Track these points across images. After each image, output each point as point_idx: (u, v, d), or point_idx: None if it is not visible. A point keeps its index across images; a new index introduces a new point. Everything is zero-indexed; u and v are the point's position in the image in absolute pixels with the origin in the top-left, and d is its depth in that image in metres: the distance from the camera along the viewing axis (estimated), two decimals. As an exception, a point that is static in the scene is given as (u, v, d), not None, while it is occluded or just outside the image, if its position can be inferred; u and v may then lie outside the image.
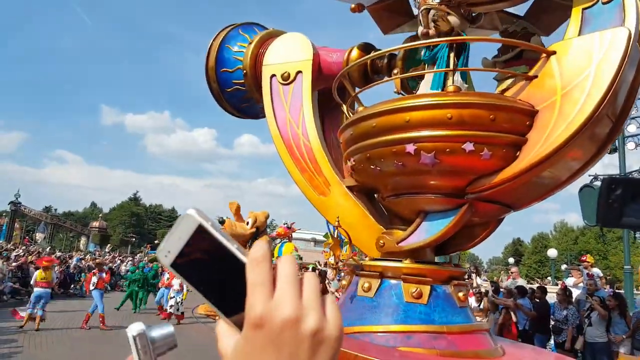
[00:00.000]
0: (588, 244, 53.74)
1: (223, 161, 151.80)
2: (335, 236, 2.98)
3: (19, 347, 10.96)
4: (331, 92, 3.53)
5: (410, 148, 2.17)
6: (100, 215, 64.95)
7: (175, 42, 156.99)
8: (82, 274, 22.51)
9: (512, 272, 13.86)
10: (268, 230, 13.39)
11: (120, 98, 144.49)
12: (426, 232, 2.41)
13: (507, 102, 2.16)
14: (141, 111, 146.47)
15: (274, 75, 3.43)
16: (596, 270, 11.20)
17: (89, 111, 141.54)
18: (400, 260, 2.47)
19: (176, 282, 15.31)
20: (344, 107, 3.09)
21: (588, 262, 11.45)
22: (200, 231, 0.47)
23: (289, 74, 3.35)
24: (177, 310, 15.08)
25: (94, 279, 14.51)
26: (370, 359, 1.95)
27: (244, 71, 3.76)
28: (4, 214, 48.73)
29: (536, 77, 2.20)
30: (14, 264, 20.75)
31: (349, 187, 2.98)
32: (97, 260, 19.15)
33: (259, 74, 3.67)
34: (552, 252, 29.93)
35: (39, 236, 45.79)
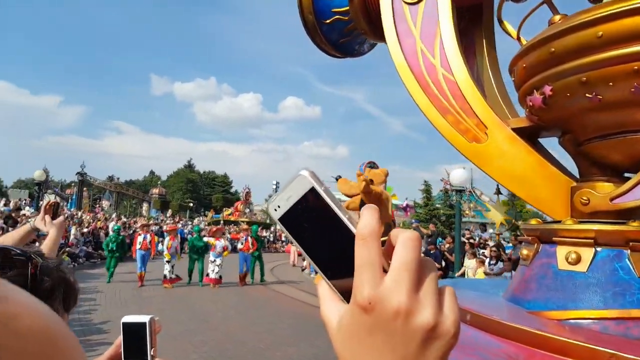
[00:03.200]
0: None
1: (269, 125, 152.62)
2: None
3: (97, 305, 11.39)
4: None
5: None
6: (159, 182, 67.26)
7: (213, 6, 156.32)
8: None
9: None
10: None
11: (168, 67, 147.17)
12: (666, 183, 1.71)
13: None
14: (189, 79, 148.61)
15: (396, -7, 2.72)
16: None
17: (140, 81, 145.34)
18: (623, 223, 1.79)
19: (219, 244, 15.15)
20: (507, 25, 2.36)
21: None
22: (312, 194, 0.47)
23: (417, -9, 2.64)
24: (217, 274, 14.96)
25: (140, 239, 14.77)
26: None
27: (349, -6, 3.09)
28: (72, 184, 51.24)
29: None
30: (85, 229, 21.82)
31: (516, 130, 2.30)
32: (142, 223, 19.44)
33: (371, -4, 2.99)
34: None
35: (105, 204, 47.94)
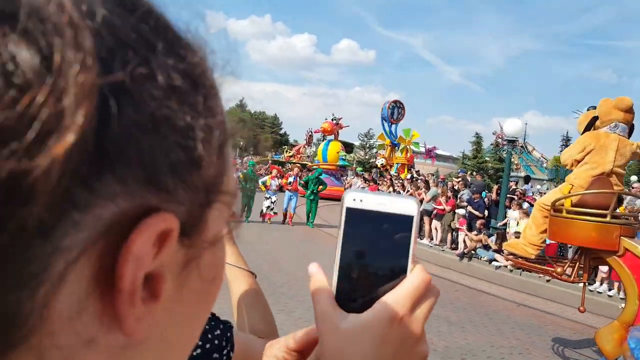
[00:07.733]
0: None
1: (321, 68, 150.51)
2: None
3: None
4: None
5: None
6: (211, 120, 68.47)
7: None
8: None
9: (633, 188, 13.07)
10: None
11: (223, 2, 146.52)
12: None
13: None
14: (243, 16, 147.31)
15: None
16: None
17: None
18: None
19: (274, 183, 15.73)
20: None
21: None
22: (404, 219, 0.45)
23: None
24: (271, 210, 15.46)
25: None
26: None
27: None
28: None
29: None
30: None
31: None
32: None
33: None
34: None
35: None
